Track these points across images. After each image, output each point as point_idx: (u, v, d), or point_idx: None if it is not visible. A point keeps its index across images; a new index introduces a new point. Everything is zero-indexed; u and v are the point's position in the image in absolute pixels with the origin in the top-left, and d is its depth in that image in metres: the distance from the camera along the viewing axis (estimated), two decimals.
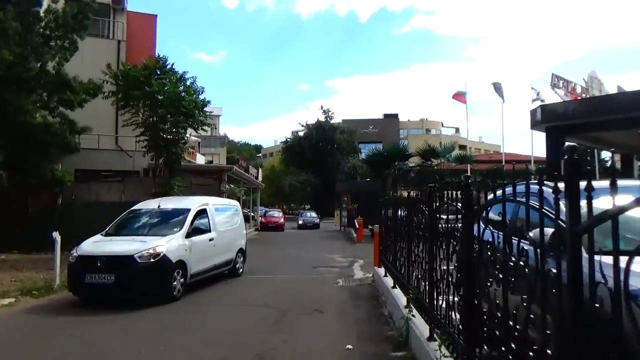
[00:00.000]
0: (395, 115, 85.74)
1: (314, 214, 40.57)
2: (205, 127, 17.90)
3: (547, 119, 27.22)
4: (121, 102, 16.38)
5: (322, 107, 65.39)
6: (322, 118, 63.56)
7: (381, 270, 10.31)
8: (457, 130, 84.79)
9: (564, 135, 28.15)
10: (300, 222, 37.80)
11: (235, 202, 13.59)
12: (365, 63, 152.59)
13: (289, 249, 19.79)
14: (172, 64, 17.11)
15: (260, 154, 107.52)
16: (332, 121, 63.81)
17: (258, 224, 36.34)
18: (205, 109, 17.57)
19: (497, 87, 42.37)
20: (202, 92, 17.66)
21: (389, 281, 8.79)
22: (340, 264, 14.55)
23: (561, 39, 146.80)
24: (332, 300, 8.87)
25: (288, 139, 66.21)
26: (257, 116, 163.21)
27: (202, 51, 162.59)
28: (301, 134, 64.25)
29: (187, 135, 17.71)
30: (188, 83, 16.69)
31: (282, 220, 35.64)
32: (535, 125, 28.24)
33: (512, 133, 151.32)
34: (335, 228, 35.23)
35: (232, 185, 26.30)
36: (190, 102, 16.39)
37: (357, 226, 23.22)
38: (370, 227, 24.82)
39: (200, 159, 31.49)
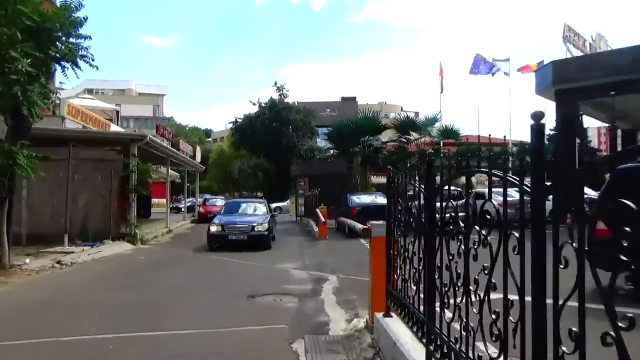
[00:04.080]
0: (354, 99, 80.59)
1: (260, 207, 16.81)
2: (83, 62, 10.99)
3: (562, 78, 20.56)
4: None
5: (275, 84, 58.12)
6: (275, 96, 56.77)
7: (394, 325, 4.33)
8: (417, 114, 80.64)
9: (578, 99, 21.47)
10: (214, 229, 14.36)
11: None
12: (319, 51, 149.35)
13: (220, 254, 13.23)
14: None
15: (210, 139, 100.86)
16: (287, 100, 57.12)
17: (196, 214, 29.77)
18: (81, 33, 10.71)
19: (479, 60, 37.56)
20: (77, 9, 10.90)
21: None
22: (299, 287, 8.33)
23: (509, 29, 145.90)
24: None
25: (238, 119, 58.71)
26: (209, 103, 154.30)
27: (152, 34, 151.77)
28: (253, 113, 56.99)
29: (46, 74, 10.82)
30: None
31: None
32: (542, 88, 21.98)
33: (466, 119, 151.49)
34: (290, 219, 28.99)
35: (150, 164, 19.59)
36: (41, 13, 9.60)
37: (320, 217, 17.09)
38: (343, 219, 18.68)
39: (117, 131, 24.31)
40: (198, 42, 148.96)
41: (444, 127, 23.42)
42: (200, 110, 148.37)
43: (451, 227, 3.04)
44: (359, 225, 6.42)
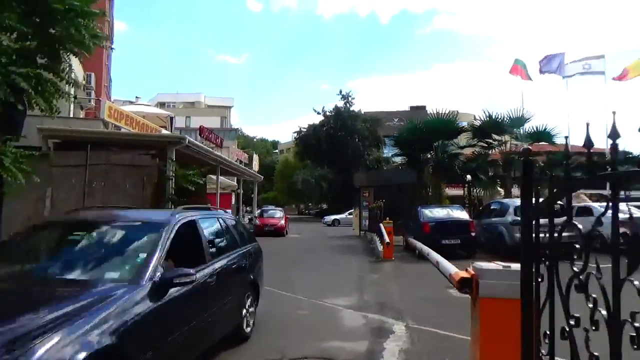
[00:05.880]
0: (423, 107, 76.55)
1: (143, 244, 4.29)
2: (93, 43, 9.12)
3: None
4: None
5: (340, 92, 55.97)
6: (340, 104, 54.49)
7: None
8: None
9: None
10: None
11: None
12: (388, 63, 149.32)
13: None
14: None
15: (277, 150, 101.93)
16: (353, 108, 54.63)
17: (252, 227, 27.86)
18: (91, 10, 8.85)
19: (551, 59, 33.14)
20: None
21: None
22: (348, 346, 5.57)
23: (583, 38, 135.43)
24: None
25: (302, 129, 56.99)
26: (280, 116, 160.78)
27: (227, 53, 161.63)
28: (317, 122, 54.97)
29: (69, 62, 9.06)
30: None
31: (282, 222, 26.91)
32: None
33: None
34: (352, 233, 26.29)
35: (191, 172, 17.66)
36: None
37: (383, 234, 14.26)
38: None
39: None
40: (268, 58, 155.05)
41: (535, 128, 19.69)
42: (271, 124, 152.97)
43: None
44: (452, 269, 3.70)
